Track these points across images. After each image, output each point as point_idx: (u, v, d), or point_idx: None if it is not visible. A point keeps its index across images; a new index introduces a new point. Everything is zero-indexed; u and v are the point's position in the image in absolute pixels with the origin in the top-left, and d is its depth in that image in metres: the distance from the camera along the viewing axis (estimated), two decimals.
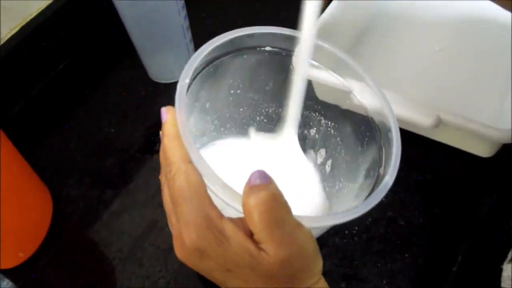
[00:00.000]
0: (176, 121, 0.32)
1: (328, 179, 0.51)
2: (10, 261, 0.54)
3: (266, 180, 0.30)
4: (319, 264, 0.32)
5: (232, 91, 0.48)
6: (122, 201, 0.60)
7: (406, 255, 0.55)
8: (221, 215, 0.30)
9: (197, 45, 0.69)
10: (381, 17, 0.74)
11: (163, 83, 0.71)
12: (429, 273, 0.54)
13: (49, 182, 0.60)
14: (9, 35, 0.64)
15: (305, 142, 0.52)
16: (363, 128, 0.43)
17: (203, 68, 0.39)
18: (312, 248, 0.31)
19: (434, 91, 0.66)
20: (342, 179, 0.48)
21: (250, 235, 0.30)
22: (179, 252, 0.31)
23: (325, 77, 0.46)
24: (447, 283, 0.53)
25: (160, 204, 0.58)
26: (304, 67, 0.41)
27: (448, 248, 0.55)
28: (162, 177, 0.33)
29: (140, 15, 0.59)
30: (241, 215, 0.30)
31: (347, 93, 0.44)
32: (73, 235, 0.57)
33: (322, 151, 0.52)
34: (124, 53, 0.72)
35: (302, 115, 0.50)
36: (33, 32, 0.66)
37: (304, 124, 0.51)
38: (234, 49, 0.41)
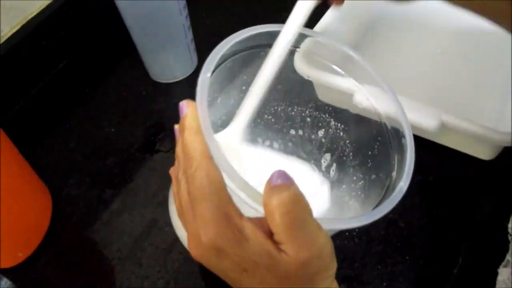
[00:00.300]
0: (197, 115, 0.31)
1: (334, 183, 0.50)
2: (9, 261, 0.54)
3: (288, 181, 0.29)
4: (334, 266, 0.31)
5: (244, 87, 0.47)
6: (122, 201, 0.59)
7: (407, 257, 0.55)
8: (241, 214, 0.30)
9: (198, 45, 0.70)
10: (383, 19, 0.74)
11: (164, 83, 0.71)
12: (429, 275, 0.54)
13: (49, 182, 0.60)
14: (9, 34, 0.64)
15: (312, 143, 0.52)
16: (374, 132, 0.42)
17: (219, 64, 0.39)
18: (330, 251, 0.30)
19: (435, 93, 0.66)
20: (349, 183, 0.48)
21: (270, 235, 0.29)
22: (195, 250, 0.30)
23: (330, 79, 0.46)
24: (448, 285, 0.53)
25: (160, 204, 0.58)
26: (275, 63, 0.40)
27: (448, 250, 0.55)
28: (178, 172, 0.32)
29: (141, 14, 0.59)
30: (259, 215, 0.30)
31: (356, 95, 0.43)
32: (73, 234, 0.57)
33: (327, 156, 0.52)
34: (125, 53, 0.72)
35: (311, 116, 0.50)
36: (34, 31, 0.66)
37: (313, 125, 0.51)
38: (252, 45, 0.41)
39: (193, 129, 0.31)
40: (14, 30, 0.65)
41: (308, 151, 0.51)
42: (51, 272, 0.55)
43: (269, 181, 0.29)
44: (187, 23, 0.63)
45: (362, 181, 0.45)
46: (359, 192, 0.45)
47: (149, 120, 0.67)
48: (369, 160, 0.44)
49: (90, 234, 0.57)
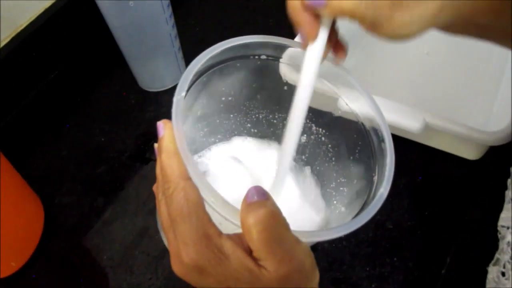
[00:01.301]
0: (174, 137, 0.32)
1: (317, 188, 0.51)
2: (2, 271, 0.54)
3: (264, 197, 0.30)
4: (316, 277, 0.32)
5: (223, 98, 0.48)
6: (114, 209, 0.60)
7: (395, 259, 0.55)
8: (220, 233, 0.30)
9: (186, 53, 0.70)
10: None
11: (153, 92, 0.71)
12: (418, 276, 0.54)
13: (41, 190, 0.60)
14: (0, 46, 0.65)
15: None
16: (355, 136, 0.43)
17: (196, 79, 0.39)
18: (310, 263, 0.31)
19: (423, 95, 0.66)
20: (332, 187, 0.48)
21: (249, 251, 0.30)
22: (178, 270, 0.30)
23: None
24: (437, 285, 0.54)
25: (150, 212, 0.59)
26: (302, 116, 0.38)
27: (437, 250, 0.56)
28: (158, 193, 0.32)
29: (127, 24, 0.60)
30: (240, 230, 0.30)
31: (336, 100, 0.44)
32: (65, 243, 0.58)
33: (311, 161, 0.52)
34: (114, 62, 0.72)
35: None
36: (24, 42, 0.66)
37: None
38: (227, 58, 0.41)
39: (170, 151, 0.32)
40: (5, 42, 0.65)
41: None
42: (45, 281, 0.55)
43: (245, 198, 0.30)
44: (173, 32, 0.63)
45: (345, 186, 0.45)
46: (343, 197, 0.45)
47: (139, 128, 0.68)
48: (351, 165, 0.44)
49: (82, 242, 0.58)
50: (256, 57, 0.43)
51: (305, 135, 0.51)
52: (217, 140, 0.53)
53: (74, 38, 0.74)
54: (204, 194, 0.31)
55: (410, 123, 0.53)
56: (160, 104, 0.70)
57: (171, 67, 0.68)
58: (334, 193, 0.48)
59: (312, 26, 0.34)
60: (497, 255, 0.52)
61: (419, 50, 0.72)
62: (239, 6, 0.84)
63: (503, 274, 0.48)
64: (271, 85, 0.48)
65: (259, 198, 0.30)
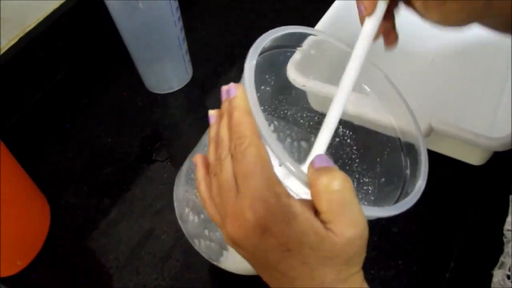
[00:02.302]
0: (247, 97, 0.32)
1: None
2: (8, 269, 0.55)
3: (331, 164, 0.30)
4: (365, 252, 0.32)
5: (262, 87, 0.48)
6: (120, 210, 0.60)
7: (400, 262, 0.55)
8: (288, 193, 0.30)
9: (193, 56, 0.71)
10: None
11: (160, 94, 0.72)
12: (422, 279, 0.54)
13: (47, 191, 0.61)
14: (8, 46, 0.65)
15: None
16: (385, 139, 0.43)
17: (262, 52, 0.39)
18: (367, 235, 0.31)
19: (427, 101, 0.67)
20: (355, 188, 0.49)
21: (317, 215, 0.30)
22: (238, 230, 0.30)
23: (324, 88, 0.47)
24: None
25: (156, 213, 0.59)
26: (351, 85, 0.40)
27: (440, 255, 0.56)
28: (222, 152, 0.32)
29: (136, 27, 0.60)
30: (297, 196, 0.31)
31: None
32: (71, 243, 0.58)
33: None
34: (121, 64, 0.73)
35: (320, 122, 0.51)
36: (31, 43, 0.67)
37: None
38: (277, 45, 0.42)
39: (243, 109, 0.32)
40: (13, 42, 0.66)
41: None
42: (50, 281, 0.56)
43: (313, 164, 0.30)
44: (181, 35, 0.64)
45: (370, 186, 0.46)
46: (367, 195, 0.45)
47: (146, 130, 0.68)
48: (378, 165, 0.45)
49: (88, 243, 0.58)
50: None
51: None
52: None
53: (82, 39, 0.75)
54: (275, 153, 0.31)
55: None
56: (166, 106, 0.70)
57: (178, 70, 0.69)
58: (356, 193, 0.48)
59: (371, 1, 0.37)
60: (502, 259, 0.52)
61: (424, 57, 0.72)
62: (245, 10, 0.84)
63: (508, 277, 0.48)
64: None
65: (328, 164, 0.30)
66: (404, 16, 0.77)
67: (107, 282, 0.55)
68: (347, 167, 0.50)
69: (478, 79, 0.69)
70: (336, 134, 0.50)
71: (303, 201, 0.30)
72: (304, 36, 0.42)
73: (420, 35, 0.75)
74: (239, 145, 0.31)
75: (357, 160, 0.49)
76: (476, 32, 0.73)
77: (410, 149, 0.41)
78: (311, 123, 0.52)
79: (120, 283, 0.55)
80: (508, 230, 0.51)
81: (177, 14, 0.61)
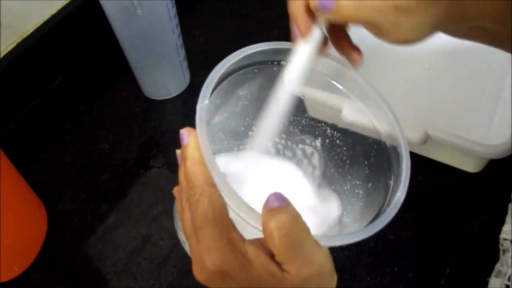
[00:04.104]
0: (199, 144, 0.32)
1: (335, 191, 0.51)
2: (5, 275, 0.55)
3: (284, 203, 0.30)
4: (334, 280, 0.33)
5: (240, 103, 0.48)
6: (117, 216, 0.60)
7: (395, 269, 0.56)
8: (243, 239, 0.31)
9: (191, 62, 0.71)
10: (370, 35, 0.75)
11: (157, 100, 0.72)
12: (418, 286, 0.55)
13: (44, 197, 0.61)
14: (5, 52, 0.65)
15: (308, 153, 0.53)
16: (370, 140, 0.43)
17: (214, 88, 0.39)
18: (330, 266, 0.31)
19: (423, 108, 0.67)
20: (347, 189, 0.49)
21: (272, 256, 0.30)
22: (200, 275, 0.31)
23: (322, 95, 0.47)
24: None
25: (154, 219, 0.59)
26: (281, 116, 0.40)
27: (436, 261, 0.56)
28: (182, 199, 0.33)
29: (134, 33, 0.60)
30: (258, 235, 0.31)
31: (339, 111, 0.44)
32: (68, 249, 0.58)
33: (326, 163, 0.52)
34: (119, 70, 0.73)
35: (309, 125, 0.51)
36: (29, 48, 0.67)
37: (310, 134, 0.52)
38: (244, 65, 0.41)
39: (195, 158, 0.32)
40: (10, 48, 0.66)
41: (305, 159, 0.52)
42: (46, 286, 0.56)
43: (266, 204, 0.30)
44: (179, 41, 0.64)
45: (360, 189, 0.46)
46: (358, 199, 0.45)
47: (143, 136, 0.68)
48: (367, 168, 0.45)
49: (85, 249, 0.58)
50: (275, 62, 0.44)
51: (319, 138, 0.51)
52: (229, 143, 0.53)
53: (80, 45, 0.75)
54: (228, 200, 0.31)
55: (410, 134, 0.54)
56: (164, 113, 0.71)
57: (176, 76, 0.69)
58: (349, 195, 0.48)
59: (308, 24, 0.36)
60: (499, 267, 0.53)
61: (420, 64, 0.73)
62: (243, 17, 0.85)
63: (507, 287, 0.49)
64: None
65: (279, 204, 0.30)
66: None
67: (104, 287, 0.55)
68: (340, 169, 0.50)
69: (474, 87, 0.69)
70: (325, 135, 0.51)
71: (259, 244, 0.31)
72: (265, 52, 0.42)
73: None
74: (192, 196, 0.31)
75: (348, 161, 0.49)
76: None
77: (396, 154, 0.40)
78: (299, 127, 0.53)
79: None
80: (505, 239, 0.52)
81: (175, 20, 0.62)
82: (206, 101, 0.35)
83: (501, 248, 0.54)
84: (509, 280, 0.48)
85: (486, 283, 0.52)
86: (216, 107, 0.44)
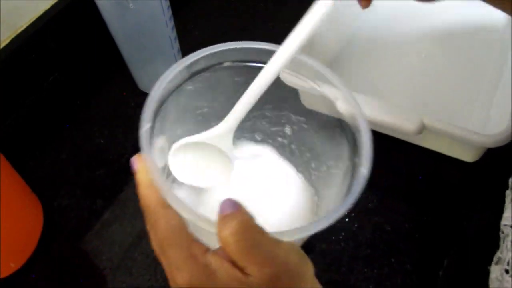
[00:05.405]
0: (147, 169, 0.34)
1: (307, 170, 0.51)
2: (1, 271, 0.54)
3: (235, 208, 0.31)
4: (309, 270, 0.32)
5: (198, 111, 0.48)
6: (113, 211, 0.60)
7: (393, 261, 0.55)
8: (205, 250, 0.31)
9: (185, 55, 0.70)
10: (367, 25, 0.75)
11: None
12: (416, 278, 0.54)
13: (40, 193, 0.60)
14: None
15: (284, 140, 0.53)
16: (333, 120, 0.43)
17: (162, 104, 0.40)
18: (296, 260, 0.31)
19: (421, 98, 0.67)
20: (324, 171, 0.49)
21: (234, 262, 0.31)
22: None
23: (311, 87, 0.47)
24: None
25: None
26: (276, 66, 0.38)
27: (434, 253, 0.56)
28: (146, 224, 0.34)
29: (128, 27, 0.60)
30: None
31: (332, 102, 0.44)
32: (64, 245, 0.58)
33: (299, 148, 0.52)
34: (114, 65, 0.73)
35: (275, 116, 0.51)
36: (24, 44, 0.67)
37: (277, 123, 0.52)
38: (187, 76, 0.43)
39: (145, 183, 0.33)
40: (4, 44, 0.66)
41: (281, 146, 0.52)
42: (43, 282, 0.56)
43: (219, 212, 0.31)
44: (173, 34, 0.64)
45: (336, 169, 0.45)
46: (335, 181, 0.45)
47: (139, 131, 0.68)
48: (336, 147, 0.44)
49: (81, 245, 0.58)
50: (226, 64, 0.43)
51: (287, 125, 0.51)
52: None
53: (74, 40, 0.74)
54: (185, 216, 0.32)
55: (406, 124, 0.54)
56: None
57: None
58: (326, 177, 0.48)
59: None
60: (499, 255, 0.52)
61: (417, 54, 0.72)
62: (238, 11, 0.84)
63: (507, 271, 0.48)
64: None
65: (232, 210, 0.31)
66: (396, 15, 0.77)
67: (100, 283, 0.55)
68: (314, 154, 0.50)
69: (471, 76, 0.69)
70: (292, 122, 0.51)
71: (221, 253, 0.31)
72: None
73: (412, 32, 0.75)
74: (149, 220, 0.33)
75: (318, 144, 0.49)
76: (470, 29, 0.74)
77: (358, 131, 0.39)
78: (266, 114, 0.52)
79: (113, 284, 0.55)
80: (506, 225, 0.51)
81: (169, 13, 0.61)
82: (148, 125, 0.37)
83: (501, 236, 0.53)
84: (508, 265, 0.48)
85: (485, 274, 0.52)
86: (176, 119, 0.44)
